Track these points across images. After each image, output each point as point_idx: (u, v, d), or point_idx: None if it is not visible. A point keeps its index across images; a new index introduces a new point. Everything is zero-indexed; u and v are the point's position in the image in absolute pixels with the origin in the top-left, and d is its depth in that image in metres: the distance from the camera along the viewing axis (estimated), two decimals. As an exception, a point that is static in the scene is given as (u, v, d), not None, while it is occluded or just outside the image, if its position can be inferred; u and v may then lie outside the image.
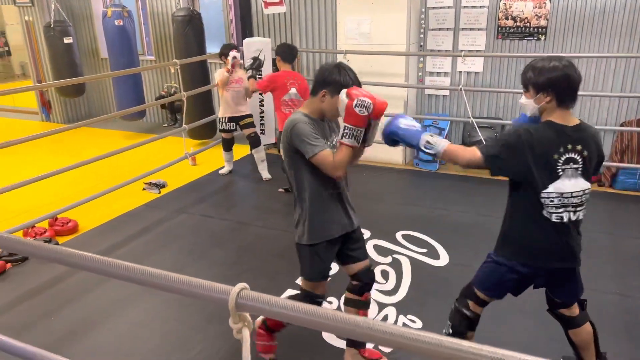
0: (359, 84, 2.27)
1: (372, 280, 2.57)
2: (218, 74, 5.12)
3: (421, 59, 5.85)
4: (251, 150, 5.43)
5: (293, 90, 4.59)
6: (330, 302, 3.17)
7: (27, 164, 5.88)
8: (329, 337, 2.84)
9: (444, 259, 3.72)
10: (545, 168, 2.01)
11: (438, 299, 3.15)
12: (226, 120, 5.24)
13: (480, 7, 5.42)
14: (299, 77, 4.74)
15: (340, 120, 2.24)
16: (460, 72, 5.63)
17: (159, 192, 5.16)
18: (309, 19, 5.97)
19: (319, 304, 2.51)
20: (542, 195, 2.03)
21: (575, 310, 2.32)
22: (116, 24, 6.64)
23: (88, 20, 8.16)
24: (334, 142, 2.32)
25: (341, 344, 2.78)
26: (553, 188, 2.02)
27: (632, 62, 4.99)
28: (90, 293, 3.40)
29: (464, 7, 5.49)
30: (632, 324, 2.94)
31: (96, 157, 4.60)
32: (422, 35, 5.76)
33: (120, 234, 4.28)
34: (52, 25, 7.03)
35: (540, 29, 5.24)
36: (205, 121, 6.15)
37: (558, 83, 1.99)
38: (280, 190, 5.04)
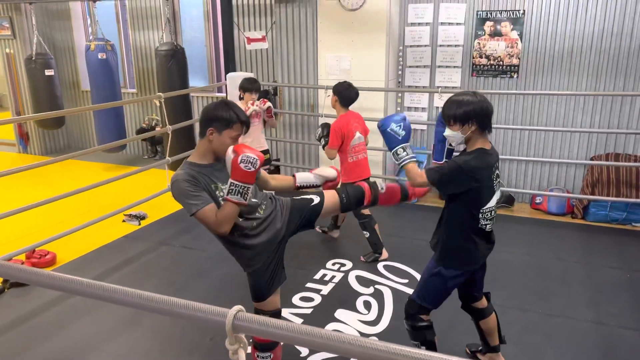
0: (247, 121, 2.29)
1: None
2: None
3: (399, 95, 6.03)
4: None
5: (357, 134, 4.14)
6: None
7: (3, 196, 5.80)
8: (313, 368, 2.85)
9: (424, 290, 3.76)
10: (489, 188, 2.39)
11: (420, 328, 3.18)
12: None
13: (456, 46, 5.66)
14: (358, 117, 4.26)
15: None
16: (437, 107, 5.81)
17: (139, 224, 5.13)
18: (291, 55, 6.13)
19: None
20: (484, 209, 2.39)
21: (484, 302, 2.73)
22: (99, 57, 6.71)
23: (70, 53, 8.21)
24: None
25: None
26: (491, 203, 2.41)
27: (600, 100, 5.23)
28: (66, 328, 3.34)
29: (440, 45, 5.72)
30: (608, 350, 3.01)
31: (76, 190, 4.52)
32: (400, 72, 5.96)
33: (99, 266, 4.23)
34: (33, 58, 7.06)
35: (512, 67, 5.48)
36: (188, 154, 6.17)
37: (478, 113, 2.33)
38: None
